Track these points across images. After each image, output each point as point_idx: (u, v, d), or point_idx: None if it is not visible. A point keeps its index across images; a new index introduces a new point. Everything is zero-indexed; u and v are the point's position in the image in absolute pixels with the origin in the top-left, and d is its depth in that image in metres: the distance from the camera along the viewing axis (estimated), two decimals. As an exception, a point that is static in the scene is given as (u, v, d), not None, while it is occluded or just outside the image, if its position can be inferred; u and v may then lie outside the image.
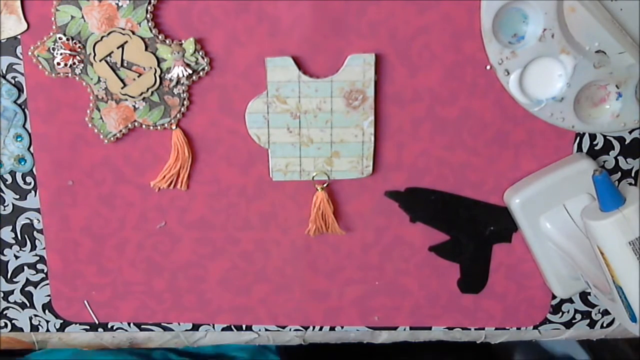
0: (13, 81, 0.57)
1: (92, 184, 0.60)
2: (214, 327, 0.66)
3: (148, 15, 0.54)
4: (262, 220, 0.62)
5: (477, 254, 0.63)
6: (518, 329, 0.66)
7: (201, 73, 0.56)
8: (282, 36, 0.55)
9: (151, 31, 0.54)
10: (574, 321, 0.66)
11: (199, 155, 0.59)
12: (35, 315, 0.66)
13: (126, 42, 0.55)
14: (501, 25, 0.54)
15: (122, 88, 0.56)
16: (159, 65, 0.55)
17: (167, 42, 0.55)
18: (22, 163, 0.60)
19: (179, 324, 0.66)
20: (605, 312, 0.66)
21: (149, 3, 0.54)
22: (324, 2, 0.54)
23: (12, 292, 0.65)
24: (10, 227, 0.62)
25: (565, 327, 0.66)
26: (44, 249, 0.63)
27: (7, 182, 0.60)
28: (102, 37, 0.54)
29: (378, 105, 0.57)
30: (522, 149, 0.59)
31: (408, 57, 0.56)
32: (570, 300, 0.65)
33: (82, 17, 0.54)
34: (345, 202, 0.61)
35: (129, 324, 0.66)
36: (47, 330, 0.66)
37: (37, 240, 0.63)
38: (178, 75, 0.55)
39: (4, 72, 0.57)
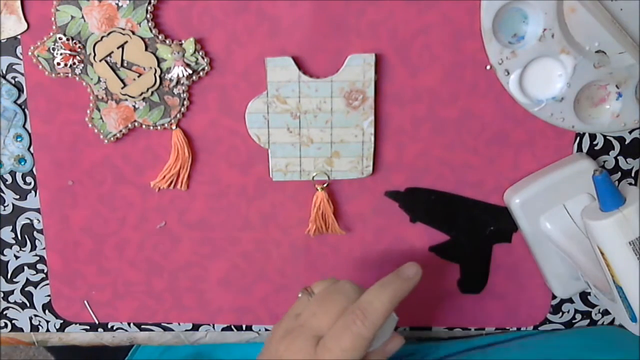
0: (13, 81, 0.57)
1: (92, 184, 0.60)
2: (214, 327, 0.66)
3: (148, 15, 0.54)
4: (262, 220, 0.62)
5: (477, 254, 0.63)
6: (518, 329, 0.66)
7: (201, 73, 0.56)
8: (282, 36, 0.55)
9: (151, 31, 0.54)
10: (574, 321, 0.66)
11: (199, 155, 0.59)
12: (35, 315, 0.66)
13: (126, 42, 0.55)
14: (501, 25, 0.54)
15: (122, 88, 0.56)
16: (159, 65, 0.55)
17: (167, 42, 0.55)
18: (22, 163, 0.60)
19: (179, 324, 0.66)
20: (605, 312, 0.66)
21: (149, 3, 0.54)
22: (324, 2, 0.54)
23: (12, 292, 0.65)
24: (10, 227, 0.62)
25: (565, 327, 0.66)
26: (44, 249, 0.63)
27: (7, 182, 0.60)
28: (102, 37, 0.54)
29: (378, 105, 0.57)
30: (522, 149, 0.59)
31: (408, 57, 0.56)
32: (570, 300, 0.65)
33: (82, 17, 0.54)
34: (345, 202, 0.61)
35: (129, 324, 0.66)
36: (47, 330, 0.66)
37: (37, 240, 0.63)
38: (178, 75, 0.55)
39: (4, 72, 0.57)
